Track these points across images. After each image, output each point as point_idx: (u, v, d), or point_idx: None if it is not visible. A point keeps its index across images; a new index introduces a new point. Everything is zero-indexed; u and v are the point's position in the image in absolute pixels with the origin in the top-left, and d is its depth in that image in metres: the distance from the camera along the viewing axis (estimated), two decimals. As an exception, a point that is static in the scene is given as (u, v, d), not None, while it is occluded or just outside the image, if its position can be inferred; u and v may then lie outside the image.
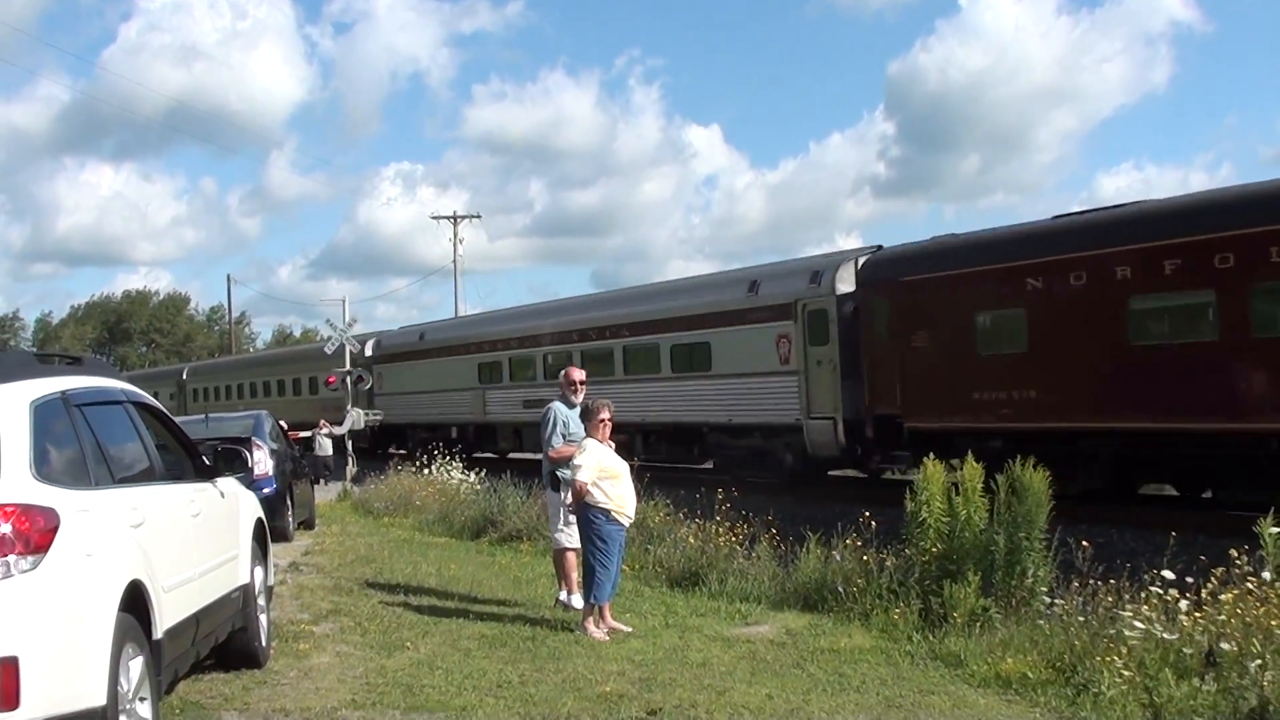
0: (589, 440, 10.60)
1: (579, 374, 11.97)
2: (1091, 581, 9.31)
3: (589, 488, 10.35)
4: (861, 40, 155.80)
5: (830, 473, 23.69)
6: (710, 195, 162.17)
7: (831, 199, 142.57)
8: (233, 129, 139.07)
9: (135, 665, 5.98)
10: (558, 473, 11.38)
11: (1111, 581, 9.13)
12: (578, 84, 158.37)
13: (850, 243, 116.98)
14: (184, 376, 61.85)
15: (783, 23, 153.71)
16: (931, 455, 10.97)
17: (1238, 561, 8.36)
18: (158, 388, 55.81)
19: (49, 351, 7.69)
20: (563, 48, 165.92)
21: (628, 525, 10.87)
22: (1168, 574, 8.65)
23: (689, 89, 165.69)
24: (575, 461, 10.47)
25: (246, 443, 15.75)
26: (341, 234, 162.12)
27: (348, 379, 31.80)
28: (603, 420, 10.67)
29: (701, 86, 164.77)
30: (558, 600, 11.68)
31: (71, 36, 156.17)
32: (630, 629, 10.55)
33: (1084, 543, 9.90)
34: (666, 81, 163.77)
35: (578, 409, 11.34)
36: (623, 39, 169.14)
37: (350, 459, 31.28)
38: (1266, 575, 8.13)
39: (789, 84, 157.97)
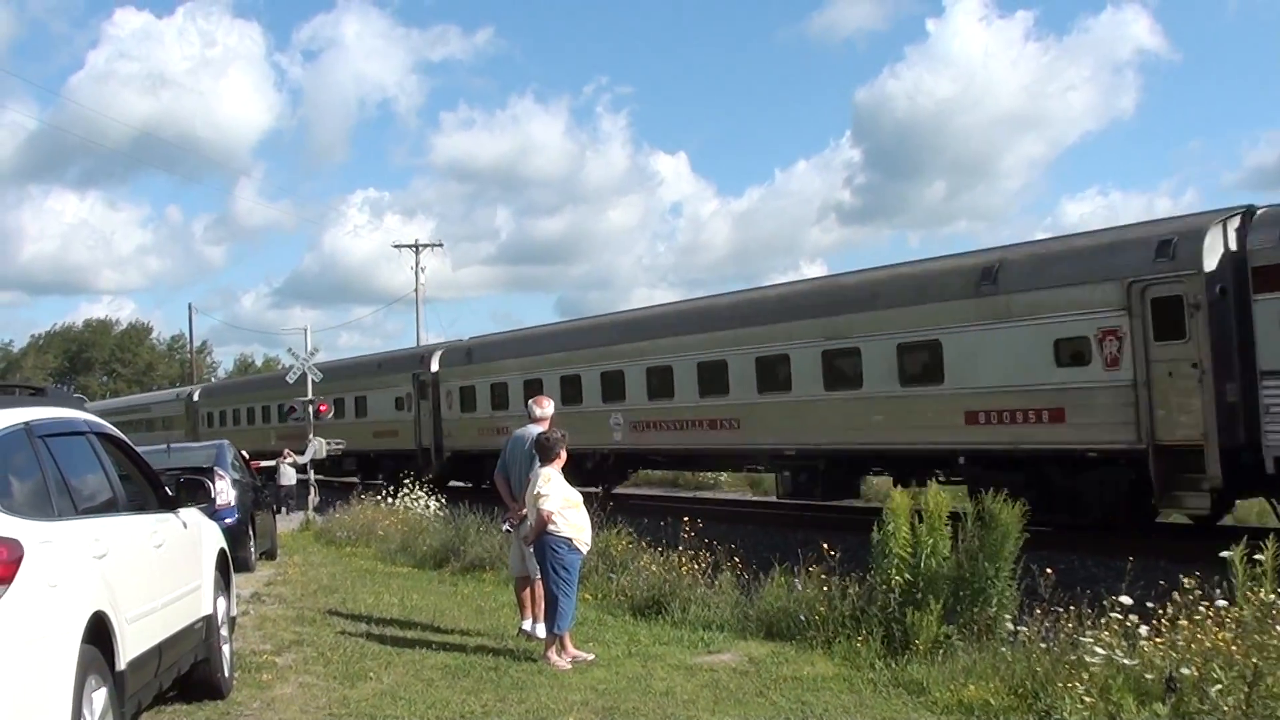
0: (549, 470, 10.61)
1: (549, 405, 12.00)
2: (1053, 608, 9.38)
3: (554, 516, 10.37)
4: (830, 67, 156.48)
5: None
6: (675, 223, 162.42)
7: (796, 226, 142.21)
8: (199, 157, 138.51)
9: (98, 697, 5.94)
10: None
11: (1073, 608, 9.20)
12: (547, 111, 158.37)
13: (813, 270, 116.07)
14: (434, 367, 36.41)
15: (753, 50, 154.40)
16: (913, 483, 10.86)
17: (1187, 584, 8.45)
18: (388, 387, 38.77)
19: (11, 382, 7.66)
20: (532, 75, 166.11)
21: (586, 552, 10.91)
22: (1124, 599, 8.72)
23: (657, 117, 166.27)
24: (541, 491, 10.47)
25: (209, 472, 15.66)
26: (306, 262, 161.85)
27: (309, 407, 31.69)
28: (563, 452, 10.77)
29: (669, 114, 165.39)
30: (520, 630, 11.67)
31: (39, 63, 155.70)
32: (593, 658, 10.55)
33: (1047, 570, 9.98)
34: (635, 109, 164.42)
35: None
36: (592, 67, 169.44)
37: (313, 488, 31.16)
38: (1222, 601, 8.20)
39: (757, 112, 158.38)
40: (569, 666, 10.22)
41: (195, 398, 57.45)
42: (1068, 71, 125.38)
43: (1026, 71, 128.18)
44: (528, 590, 11.57)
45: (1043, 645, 8.89)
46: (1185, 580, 8.50)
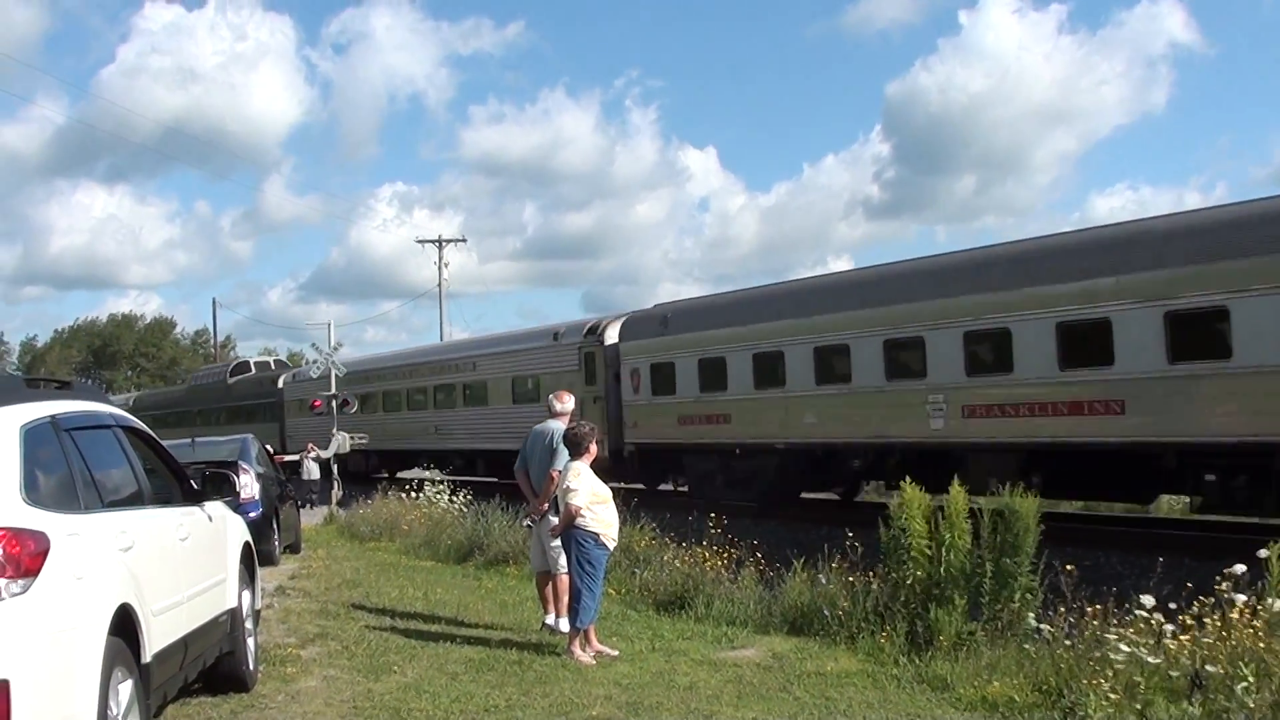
0: (579, 464, 10.60)
1: (571, 400, 12.05)
2: (1077, 605, 9.33)
3: (583, 511, 10.37)
4: (862, 61, 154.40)
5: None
6: (703, 218, 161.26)
7: (824, 221, 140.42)
8: (228, 151, 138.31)
9: (124, 689, 5.98)
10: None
11: (1097, 605, 9.15)
12: (577, 105, 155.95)
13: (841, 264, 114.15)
14: None
15: (785, 43, 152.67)
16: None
17: (1222, 588, 8.38)
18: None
19: (37, 376, 7.70)
20: (563, 69, 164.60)
21: (613, 548, 10.91)
22: (1147, 599, 8.66)
23: (687, 111, 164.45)
24: (570, 485, 10.46)
25: (233, 466, 15.78)
26: (333, 256, 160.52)
27: (332, 402, 31.70)
28: (592, 446, 10.72)
29: (700, 108, 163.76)
30: (544, 624, 11.68)
31: (71, 57, 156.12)
32: (616, 653, 10.56)
33: (1069, 566, 9.92)
34: (664, 103, 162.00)
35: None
36: (623, 60, 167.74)
37: (336, 482, 31.18)
38: (1241, 597, 8.14)
39: (787, 106, 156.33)
40: (593, 661, 10.22)
41: (610, 337, 28.64)
42: (1101, 66, 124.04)
43: (1059, 65, 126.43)
44: (549, 585, 11.59)
45: (1067, 642, 8.85)
46: (1226, 575, 8.42)
